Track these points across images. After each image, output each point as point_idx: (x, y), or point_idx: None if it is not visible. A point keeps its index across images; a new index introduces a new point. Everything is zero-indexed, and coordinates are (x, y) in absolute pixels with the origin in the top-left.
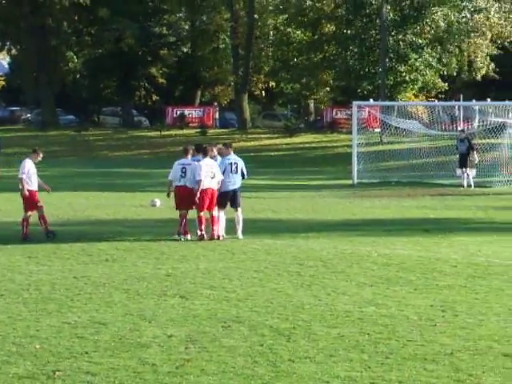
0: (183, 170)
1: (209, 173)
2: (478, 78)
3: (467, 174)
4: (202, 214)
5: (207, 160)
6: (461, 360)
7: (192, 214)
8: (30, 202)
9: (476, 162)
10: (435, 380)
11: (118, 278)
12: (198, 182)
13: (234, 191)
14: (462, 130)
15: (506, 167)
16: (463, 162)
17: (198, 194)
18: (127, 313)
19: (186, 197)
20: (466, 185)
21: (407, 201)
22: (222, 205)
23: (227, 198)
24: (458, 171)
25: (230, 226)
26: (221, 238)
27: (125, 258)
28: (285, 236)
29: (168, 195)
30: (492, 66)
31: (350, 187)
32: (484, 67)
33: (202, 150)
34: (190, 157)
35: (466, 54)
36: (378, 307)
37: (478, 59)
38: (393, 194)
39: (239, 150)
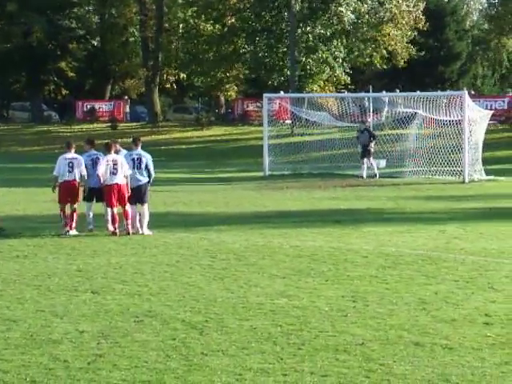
0: (70, 164)
1: (110, 168)
2: (400, 65)
3: (366, 166)
4: (114, 210)
5: (109, 156)
6: (372, 350)
7: (99, 209)
8: None
9: (372, 151)
10: (347, 370)
11: (28, 275)
12: (97, 178)
13: (139, 187)
14: (363, 121)
15: (414, 157)
16: (365, 153)
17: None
18: (38, 309)
19: (75, 191)
20: (365, 175)
21: (318, 192)
22: (130, 201)
23: (133, 194)
24: (366, 161)
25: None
26: (140, 232)
27: (35, 254)
28: (197, 229)
29: (53, 190)
30: (412, 48)
31: (261, 179)
32: (405, 56)
33: (104, 146)
34: (73, 151)
35: (382, 44)
36: (290, 299)
37: (397, 49)
38: (304, 185)
39: (150, 143)
